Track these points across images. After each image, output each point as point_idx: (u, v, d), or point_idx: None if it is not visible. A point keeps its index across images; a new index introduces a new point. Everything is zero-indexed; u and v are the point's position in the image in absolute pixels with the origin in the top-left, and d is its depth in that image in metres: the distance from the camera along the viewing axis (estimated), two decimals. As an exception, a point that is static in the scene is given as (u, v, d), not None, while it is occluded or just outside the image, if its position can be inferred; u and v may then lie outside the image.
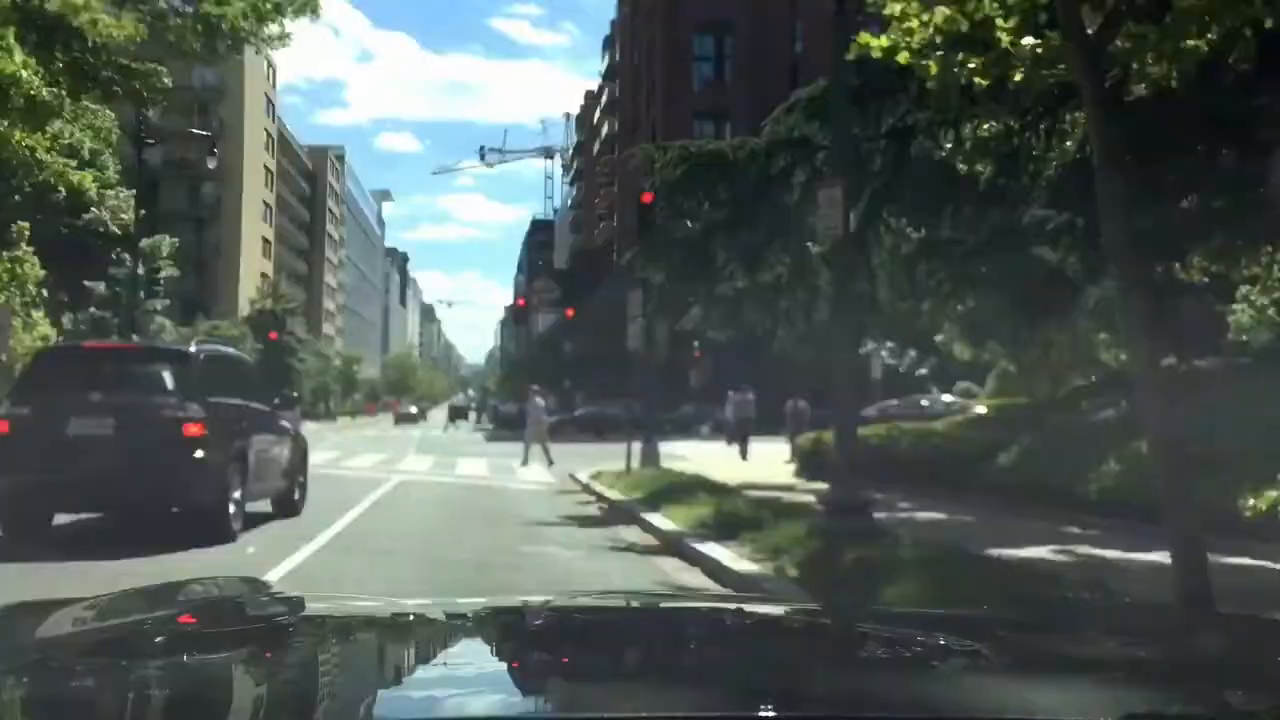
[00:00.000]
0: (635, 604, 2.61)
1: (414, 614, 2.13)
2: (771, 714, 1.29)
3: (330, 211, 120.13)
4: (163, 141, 66.60)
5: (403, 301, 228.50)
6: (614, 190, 76.44)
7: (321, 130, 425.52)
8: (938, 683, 1.53)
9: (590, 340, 47.68)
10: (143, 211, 41.69)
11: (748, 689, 1.41)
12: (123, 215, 40.11)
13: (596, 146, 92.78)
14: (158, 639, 1.77)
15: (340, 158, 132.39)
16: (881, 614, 2.62)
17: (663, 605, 2.66)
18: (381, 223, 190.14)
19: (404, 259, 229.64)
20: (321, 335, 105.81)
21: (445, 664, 1.73)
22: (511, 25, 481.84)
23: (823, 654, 1.78)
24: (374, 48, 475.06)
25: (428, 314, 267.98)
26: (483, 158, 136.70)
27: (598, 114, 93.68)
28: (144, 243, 43.37)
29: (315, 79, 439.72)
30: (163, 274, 44.38)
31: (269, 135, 78.23)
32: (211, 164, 36.97)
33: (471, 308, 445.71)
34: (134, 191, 41.63)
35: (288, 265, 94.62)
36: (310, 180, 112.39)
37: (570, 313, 40.44)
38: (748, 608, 2.44)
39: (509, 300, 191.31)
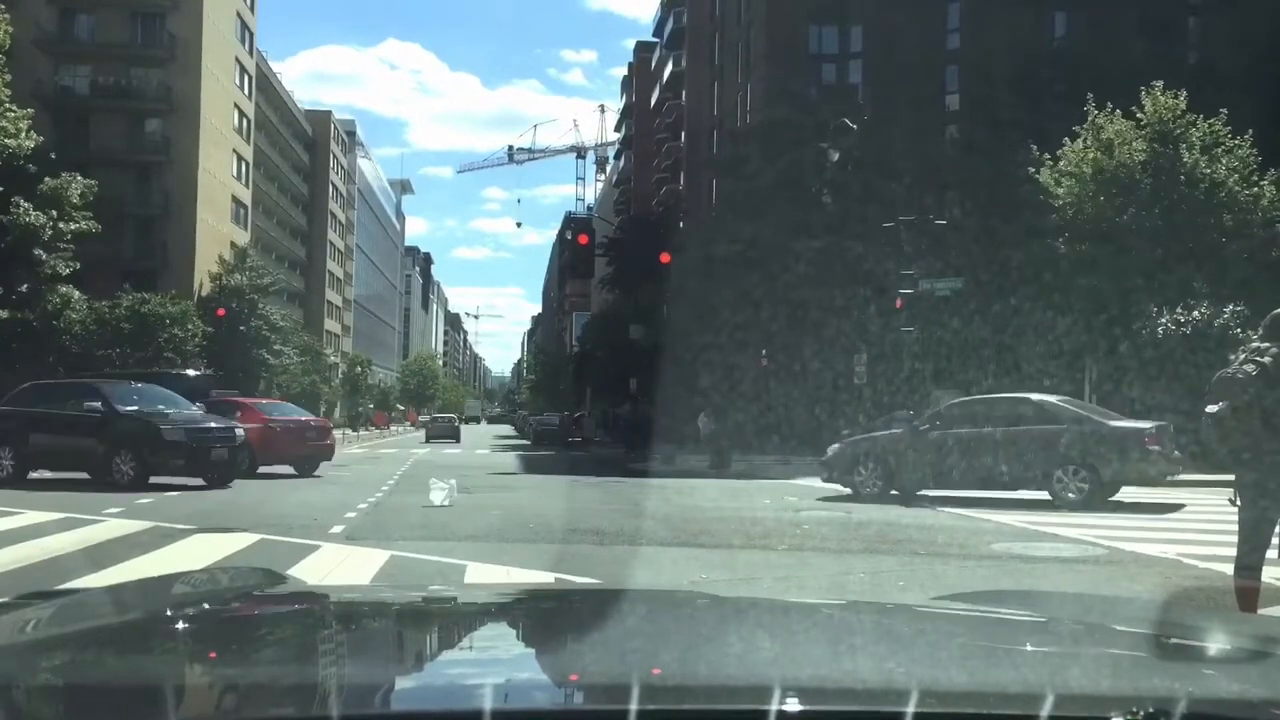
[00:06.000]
0: (656, 596, 3.28)
1: (424, 602, 2.82)
2: (793, 707, 1.44)
3: (335, 188, 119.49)
4: (94, 59, 65.93)
5: (425, 306, 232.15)
6: (679, 145, 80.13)
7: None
8: (949, 675, 1.76)
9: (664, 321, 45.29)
10: (41, 138, 39.75)
11: (766, 681, 1.59)
12: (9, 140, 36.89)
13: (655, 95, 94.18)
14: (163, 629, 2.15)
15: (351, 133, 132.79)
16: (894, 607, 3.17)
17: (685, 598, 3.30)
18: (401, 216, 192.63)
19: (427, 259, 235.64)
20: (324, 332, 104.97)
21: (453, 652, 2.13)
22: (566, 75, 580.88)
23: (840, 646, 2.04)
24: (442, 88, 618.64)
25: (454, 322, 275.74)
26: (511, 157, 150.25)
27: (655, 58, 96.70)
28: (45, 184, 41.48)
29: (382, 117, 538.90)
30: (72, 227, 42.12)
31: (242, 67, 75.51)
32: None
33: (499, 320, 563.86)
34: (29, 111, 39.63)
35: (274, 243, 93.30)
36: (309, 148, 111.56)
37: (666, 258, 39.02)
38: (770, 601, 3.54)
39: (536, 313, 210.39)
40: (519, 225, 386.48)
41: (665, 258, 39.32)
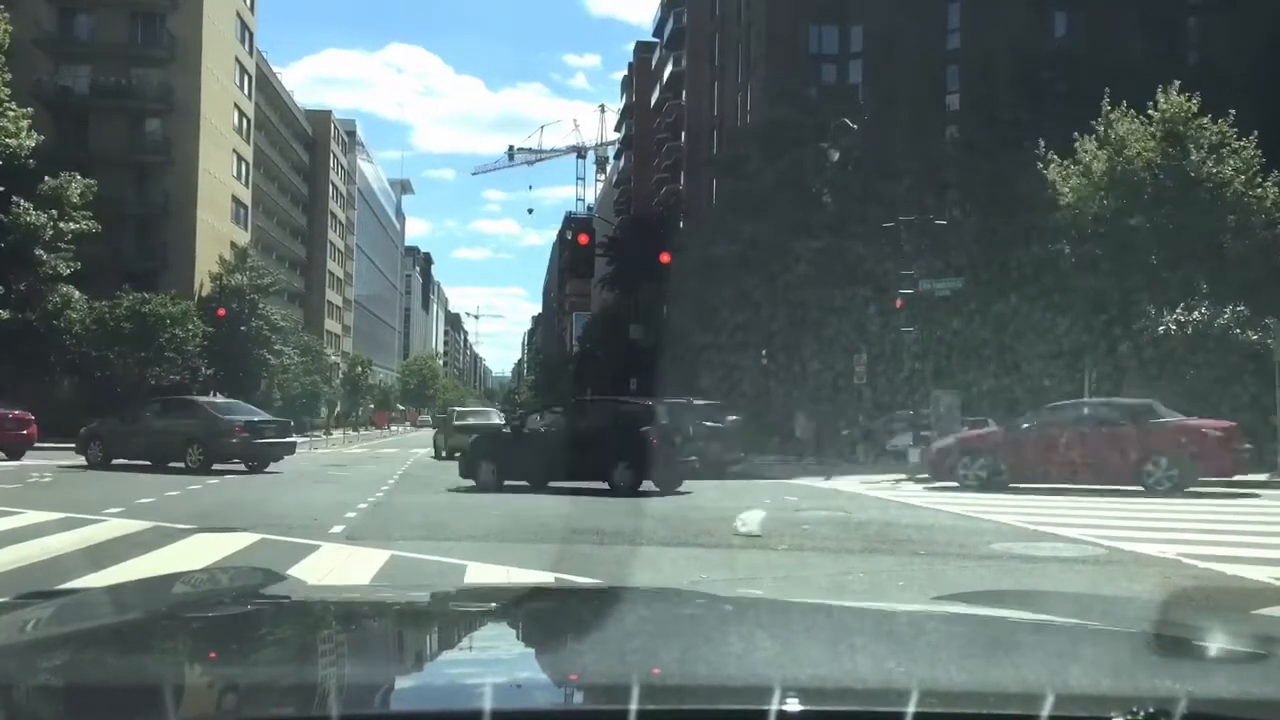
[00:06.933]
0: (657, 595, 3.32)
1: (424, 602, 2.88)
2: (794, 707, 1.45)
3: (335, 188, 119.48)
4: (94, 59, 65.88)
5: (425, 306, 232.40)
6: (679, 145, 79.36)
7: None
8: (950, 675, 1.77)
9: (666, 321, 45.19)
10: (41, 137, 39.74)
11: (766, 681, 1.59)
12: (9, 139, 36.92)
13: (655, 95, 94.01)
14: (163, 629, 2.16)
15: (351, 133, 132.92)
16: (893, 607, 3.18)
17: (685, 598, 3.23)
18: (401, 216, 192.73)
19: (427, 259, 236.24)
20: (324, 332, 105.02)
21: (453, 652, 2.14)
22: (570, 80, 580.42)
23: (839, 646, 2.03)
24: (446, 91, 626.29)
25: (454, 322, 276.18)
26: (511, 157, 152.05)
27: (655, 58, 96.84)
28: (45, 184, 41.56)
29: (387, 120, 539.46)
30: (72, 227, 42.17)
31: (242, 67, 75.38)
32: None
33: (499, 320, 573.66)
34: (29, 111, 39.61)
35: (275, 243, 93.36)
36: (309, 148, 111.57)
37: (666, 258, 39.13)
38: (770, 601, 3.56)
39: (537, 313, 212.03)
40: (530, 212, 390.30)
41: (665, 258, 39.39)
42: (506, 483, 20.68)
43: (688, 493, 20.12)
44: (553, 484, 20.20)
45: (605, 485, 19.99)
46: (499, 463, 21.20)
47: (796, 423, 36.18)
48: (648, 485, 20.25)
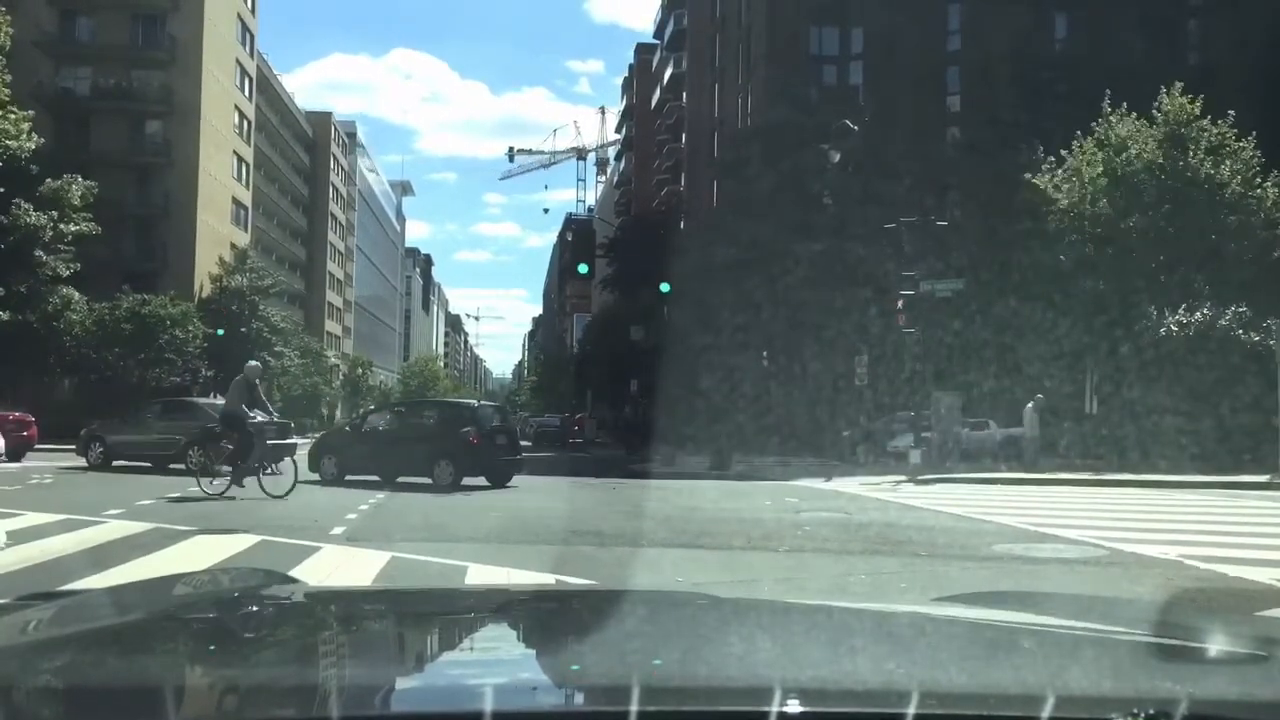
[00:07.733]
0: (657, 597, 3.35)
1: (425, 603, 2.90)
2: (794, 708, 1.45)
3: (335, 189, 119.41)
4: (95, 61, 65.93)
5: (426, 307, 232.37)
6: (679, 146, 79.34)
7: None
8: (950, 677, 1.77)
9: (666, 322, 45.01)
10: (41, 139, 39.76)
11: (766, 682, 1.60)
12: (10, 141, 36.93)
13: (655, 97, 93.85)
14: (164, 630, 2.18)
15: (351, 134, 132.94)
16: (894, 609, 3.11)
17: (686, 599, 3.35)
18: (401, 218, 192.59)
19: (427, 261, 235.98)
20: (325, 333, 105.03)
21: (454, 653, 2.15)
22: (573, 86, 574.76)
23: (840, 648, 2.06)
24: (449, 96, 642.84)
25: (455, 324, 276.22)
26: (511, 159, 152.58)
27: (656, 59, 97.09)
28: (46, 185, 41.56)
29: (391, 125, 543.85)
30: (73, 229, 42.20)
31: (242, 69, 75.39)
32: None
33: (500, 322, 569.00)
34: (30, 113, 39.67)
35: (275, 244, 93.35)
36: (310, 150, 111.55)
37: (664, 286, 39.17)
38: (771, 602, 3.60)
39: (538, 314, 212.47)
40: (546, 211, 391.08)
41: (663, 286, 39.51)
42: (348, 477, 22.27)
43: (514, 487, 21.75)
44: (399, 480, 21.51)
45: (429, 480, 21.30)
46: (339, 458, 23.12)
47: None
48: (480, 481, 21.74)
